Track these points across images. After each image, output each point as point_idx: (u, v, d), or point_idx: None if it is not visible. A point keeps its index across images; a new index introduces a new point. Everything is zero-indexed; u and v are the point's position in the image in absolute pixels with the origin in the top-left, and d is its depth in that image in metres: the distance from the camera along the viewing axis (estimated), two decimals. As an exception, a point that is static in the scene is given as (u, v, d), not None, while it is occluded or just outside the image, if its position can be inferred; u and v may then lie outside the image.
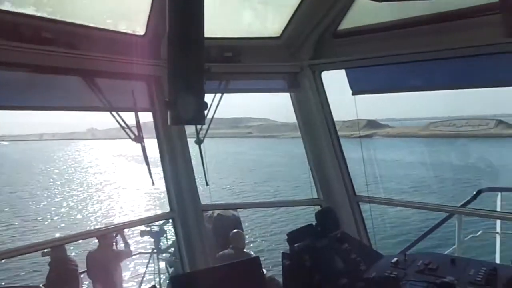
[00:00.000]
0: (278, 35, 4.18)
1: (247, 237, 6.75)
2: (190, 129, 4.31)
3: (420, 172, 22.62)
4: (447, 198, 14.48)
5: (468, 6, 3.23)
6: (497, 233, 5.45)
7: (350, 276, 2.86)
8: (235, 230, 5.74)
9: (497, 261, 5.14)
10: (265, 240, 14.17)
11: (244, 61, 4.10)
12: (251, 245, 12.59)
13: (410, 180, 21.07)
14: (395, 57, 3.78)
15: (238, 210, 6.90)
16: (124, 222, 5.30)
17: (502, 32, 2.98)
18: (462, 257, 3.31)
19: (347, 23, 3.92)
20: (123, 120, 3.87)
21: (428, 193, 18.22)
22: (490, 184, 6.00)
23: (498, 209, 5.41)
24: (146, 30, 3.76)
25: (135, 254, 7.56)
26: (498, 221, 5.50)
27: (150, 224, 6.75)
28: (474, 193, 5.40)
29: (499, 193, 5.50)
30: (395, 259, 3.13)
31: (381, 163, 21.63)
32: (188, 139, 4.38)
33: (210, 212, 6.19)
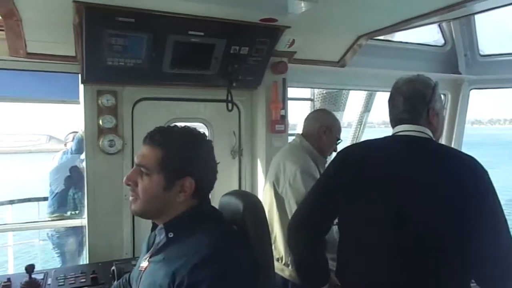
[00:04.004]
0: None
1: None
2: None
3: None
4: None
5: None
6: (10, 245, 5.53)
7: None
8: None
9: (11, 272, 5.21)
10: None
11: None
12: None
13: None
14: None
15: None
16: None
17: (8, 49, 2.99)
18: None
19: None
20: None
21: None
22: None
23: (10, 221, 5.50)
24: None
25: None
26: (11, 233, 5.58)
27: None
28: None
29: (10, 205, 5.57)
30: None
31: None
32: None
33: None
